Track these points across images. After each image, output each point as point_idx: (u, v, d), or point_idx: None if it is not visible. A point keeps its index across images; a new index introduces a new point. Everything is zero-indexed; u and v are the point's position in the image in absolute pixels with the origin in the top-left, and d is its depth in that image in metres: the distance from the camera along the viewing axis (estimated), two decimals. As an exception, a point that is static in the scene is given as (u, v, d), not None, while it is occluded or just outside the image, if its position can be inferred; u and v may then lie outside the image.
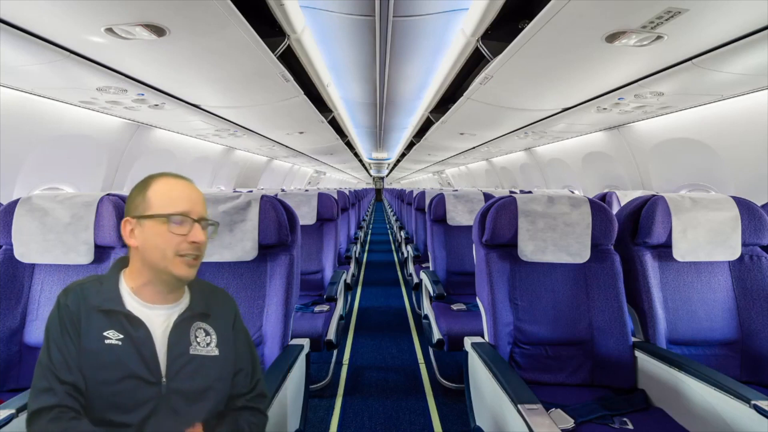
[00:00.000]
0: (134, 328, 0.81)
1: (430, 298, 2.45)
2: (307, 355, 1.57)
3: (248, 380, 0.93)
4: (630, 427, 1.23)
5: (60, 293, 0.83)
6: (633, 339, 1.52)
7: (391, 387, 2.32)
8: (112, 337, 0.79)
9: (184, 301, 0.89)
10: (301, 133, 4.65)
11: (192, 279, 0.84)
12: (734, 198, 1.61)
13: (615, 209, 2.87)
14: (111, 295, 0.83)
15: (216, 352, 0.87)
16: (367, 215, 10.40)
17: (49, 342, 0.78)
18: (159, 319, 0.85)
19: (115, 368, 0.77)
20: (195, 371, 0.84)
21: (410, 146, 7.02)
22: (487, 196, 2.94)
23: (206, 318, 0.89)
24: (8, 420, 0.99)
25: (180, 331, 0.85)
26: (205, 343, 0.87)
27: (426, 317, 2.47)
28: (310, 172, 11.72)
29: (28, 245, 1.45)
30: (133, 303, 0.84)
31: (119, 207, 1.49)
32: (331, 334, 2.06)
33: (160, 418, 0.79)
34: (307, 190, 3.38)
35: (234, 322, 0.95)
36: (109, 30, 1.59)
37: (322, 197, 2.85)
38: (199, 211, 0.84)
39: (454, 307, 2.31)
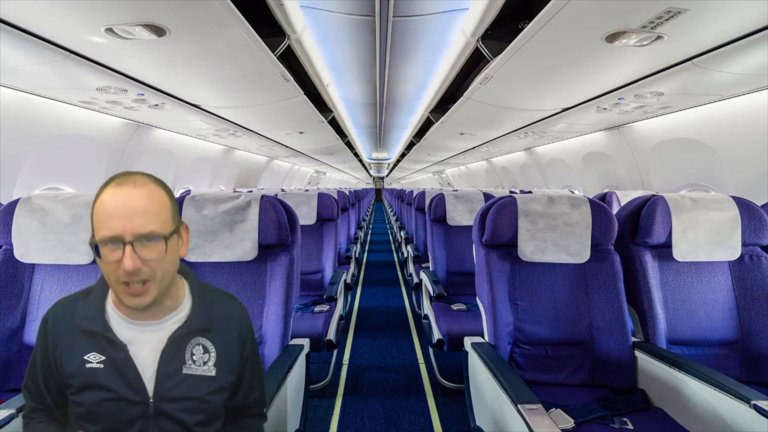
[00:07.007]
0: (114, 350, 0.77)
1: (430, 298, 2.45)
2: (307, 355, 1.57)
3: (248, 397, 0.91)
4: (630, 427, 1.23)
5: (49, 309, 0.82)
6: (633, 339, 1.52)
7: (391, 387, 2.32)
8: (93, 360, 0.77)
9: (182, 314, 0.82)
10: (301, 133, 4.65)
11: (146, 306, 0.74)
12: (734, 198, 1.61)
13: (615, 209, 2.87)
14: (93, 311, 0.79)
15: (212, 372, 0.81)
16: (367, 215, 10.40)
17: (35, 348, 0.82)
18: (147, 335, 0.79)
19: (100, 391, 0.76)
20: (186, 391, 0.79)
21: (410, 146, 7.02)
22: (487, 196, 2.94)
23: (206, 333, 0.83)
24: (8, 420, 0.99)
25: (174, 349, 0.79)
26: (201, 361, 0.81)
27: (426, 317, 2.47)
28: (310, 172, 11.73)
29: (28, 245, 1.45)
30: (117, 318, 0.79)
31: None
32: (331, 334, 2.06)
33: None
34: (307, 190, 3.38)
35: (244, 340, 0.88)
36: (109, 30, 1.59)
37: (322, 197, 2.85)
38: (137, 226, 0.70)
39: (454, 307, 2.31)
